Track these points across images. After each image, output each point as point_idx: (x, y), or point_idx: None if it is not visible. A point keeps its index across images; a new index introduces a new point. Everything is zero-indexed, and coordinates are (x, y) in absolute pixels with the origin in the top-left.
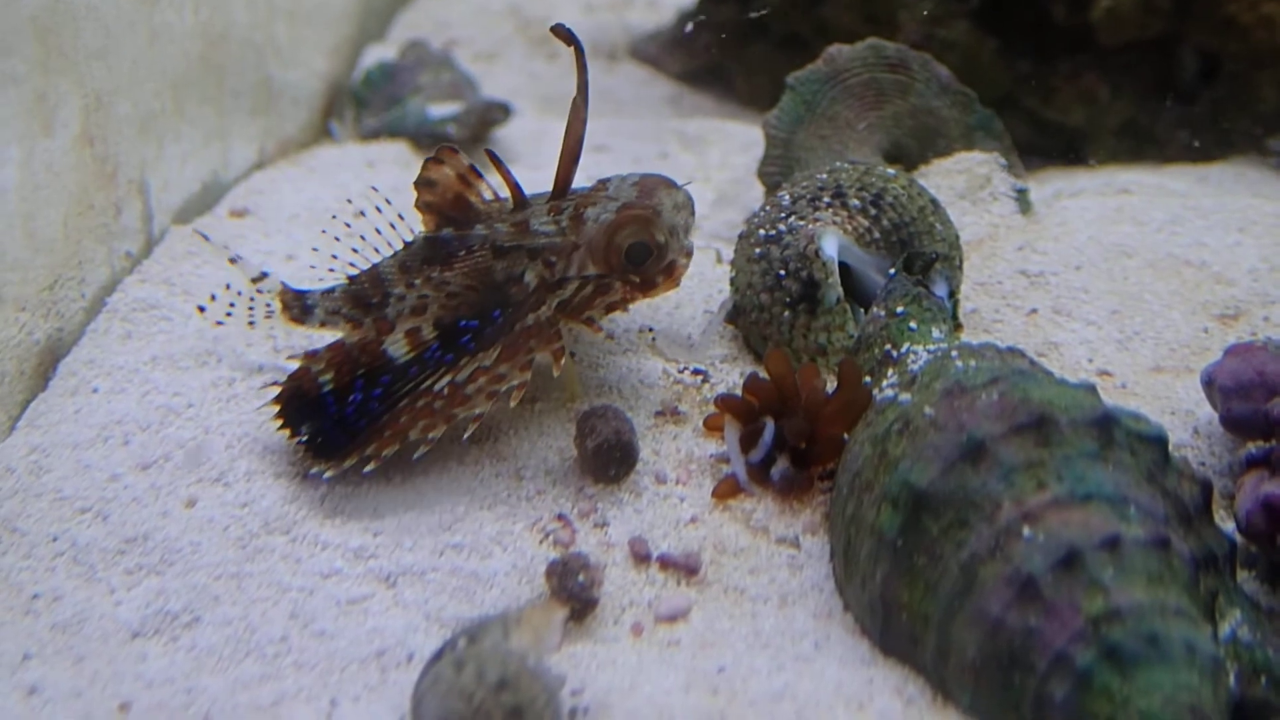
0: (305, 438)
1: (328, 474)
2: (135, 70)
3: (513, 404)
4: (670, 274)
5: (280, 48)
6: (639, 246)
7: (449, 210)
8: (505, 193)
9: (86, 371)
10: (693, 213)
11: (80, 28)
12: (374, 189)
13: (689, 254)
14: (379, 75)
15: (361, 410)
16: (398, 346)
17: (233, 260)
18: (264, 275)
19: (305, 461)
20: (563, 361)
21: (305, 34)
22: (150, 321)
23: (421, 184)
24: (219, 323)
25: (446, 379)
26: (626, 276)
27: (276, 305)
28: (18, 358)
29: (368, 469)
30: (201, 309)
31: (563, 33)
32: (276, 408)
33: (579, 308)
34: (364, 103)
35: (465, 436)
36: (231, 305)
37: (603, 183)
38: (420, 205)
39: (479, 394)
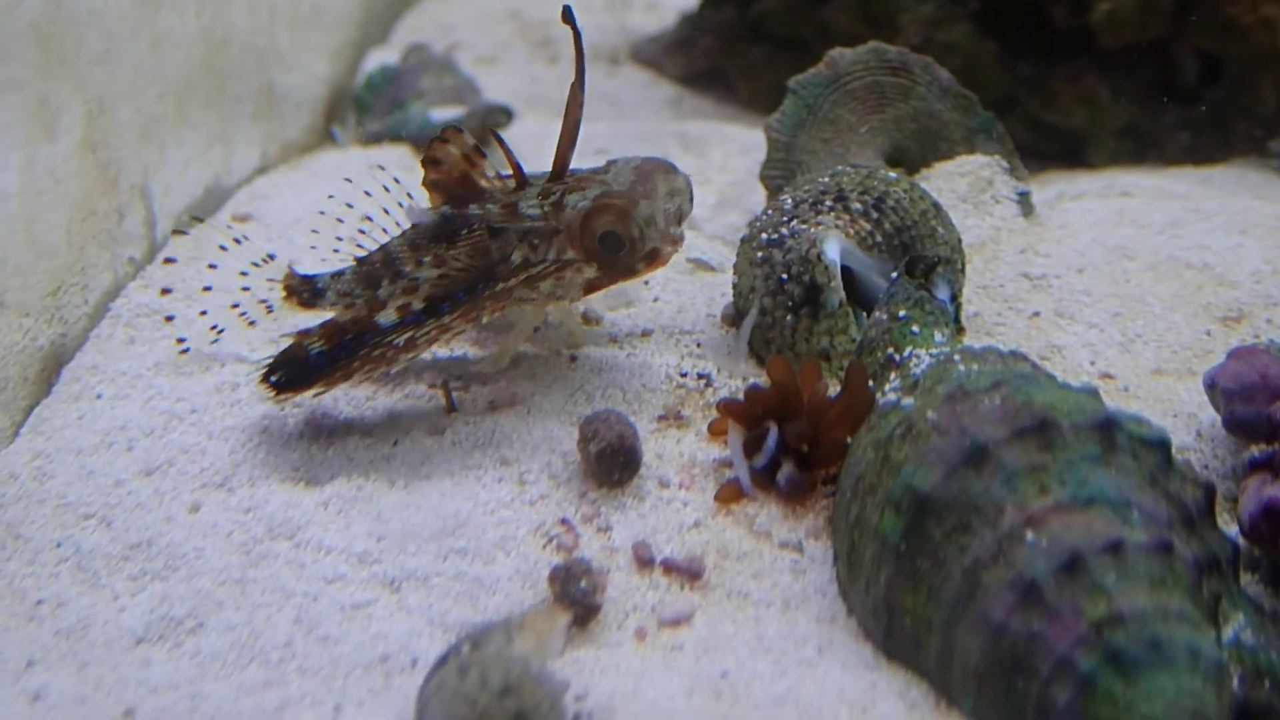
0: (272, 378)
1: (277, 400)
2: (137, 75)
3: (446, 350)
4: (653, 261)
5: (282, 52)
6: (612, 235)
7: (455, 188)
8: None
9: (90, 377)
10: (690, 199)
11: (82, 33)
12: (380, 167)
13: (676, 241)
14: (381, 79)
15: (328, 357)
16: (388, 317)
17: (237, 241)
18: (271, 258)
19: (267, 397)
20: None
21: (307, 38)
22: (153, 327)
23: (428, 162)
24: (216, 328)
25: (409, 334)
26: (603, 262)
27: (280, 293)
28: (21, 363)
29: (311, 394)
30: (204, 312)
31: (567, 17)
32: (264, 371)
33: (547, 280)
34: (366, 107)
35: (393, 371)
36: (236, 305)
37: (610, 164)
38: (427, 183)
39: (425, 341)
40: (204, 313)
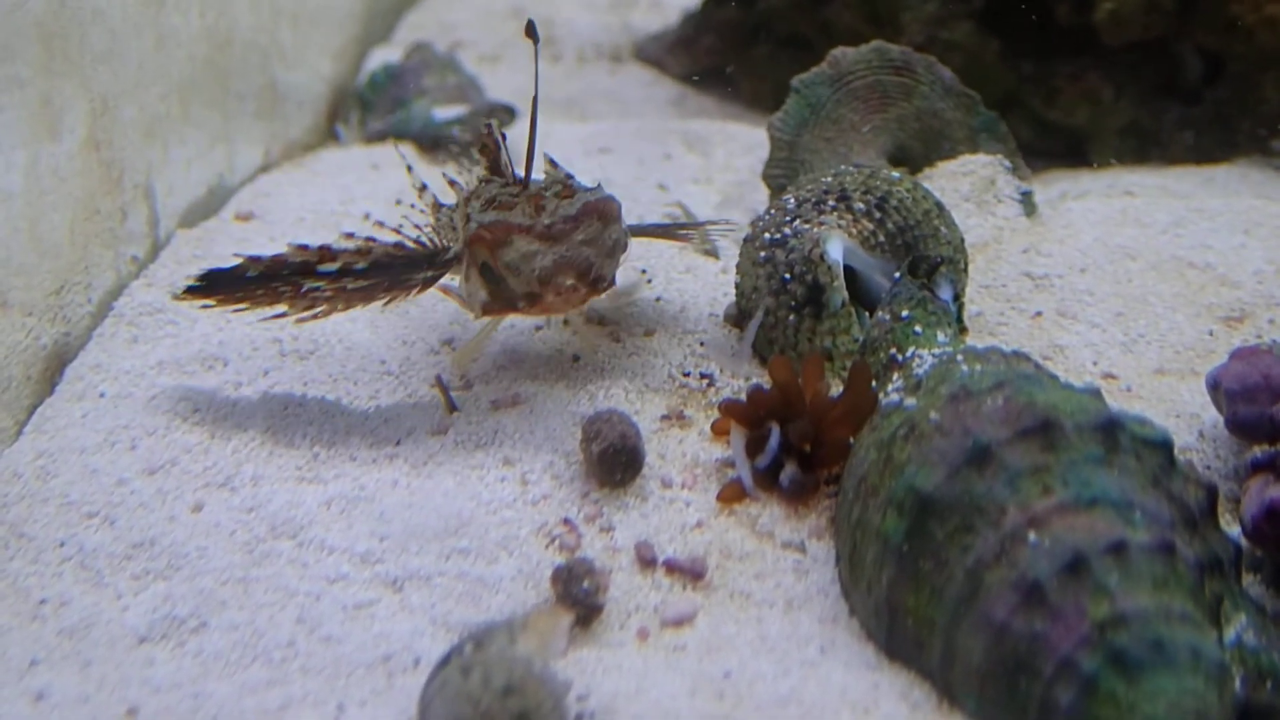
0: (194, 281)
1: (179, 297)
2: (141, 74)
3: (320, 318)
4: (534, 304)
5: (285, 51)
6: (485, 267)
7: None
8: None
9: (93, 376)
10: (613, 254)
11: (86, 32)
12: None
13: (561, 292)
14: (384, 78)
15: (256, 281)
16: (328, 266)
17: (409, 169)
18: (425, 187)
19: (174, 292)
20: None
21: (310, 37)
22: (157, 326)
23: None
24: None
25: (316, 284)
26: (490, 289)
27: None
28: (24, 362)
29: (204, 304)
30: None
31: (530, 32)
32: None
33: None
34: (369, 105)
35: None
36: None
37: (587, 189)
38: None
39: (318, 301)
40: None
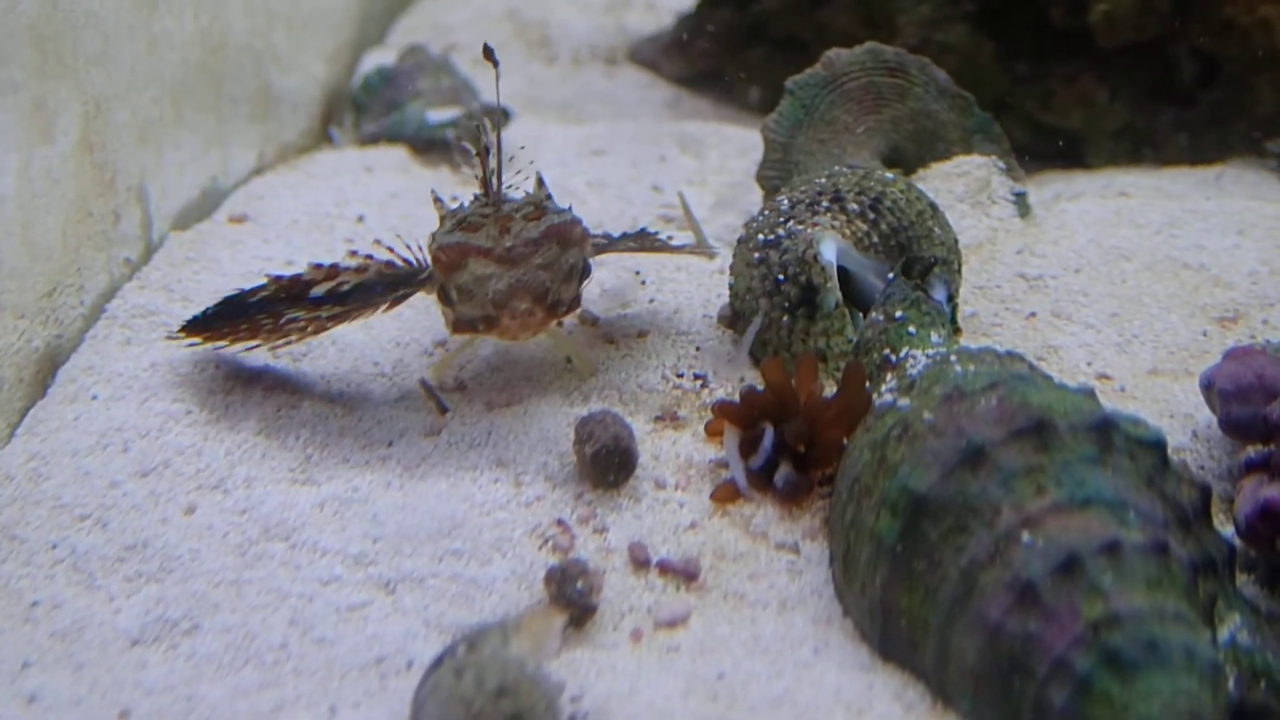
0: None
1: (175, 335)
2: (134, 77)
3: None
4: (491, 326)
5: (279, 54)
6: (443, 286)
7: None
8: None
9: (86, 378)
10: (570, 279)
11: (79, 35)
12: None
13: (516, 316)
14: (378, 80)
15: (257, 307)
16: (320, 289)
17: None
18: (438, 200)
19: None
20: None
21: (304, 40)
22: (149, 328)
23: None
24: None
25: (296, 314)
26: (453, 309)
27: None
28: (16, 365)
29: (190, 342)
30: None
31: (488, 55)
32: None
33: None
34: (363, 108)
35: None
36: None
37: (545, 211)
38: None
39: (294, 329)
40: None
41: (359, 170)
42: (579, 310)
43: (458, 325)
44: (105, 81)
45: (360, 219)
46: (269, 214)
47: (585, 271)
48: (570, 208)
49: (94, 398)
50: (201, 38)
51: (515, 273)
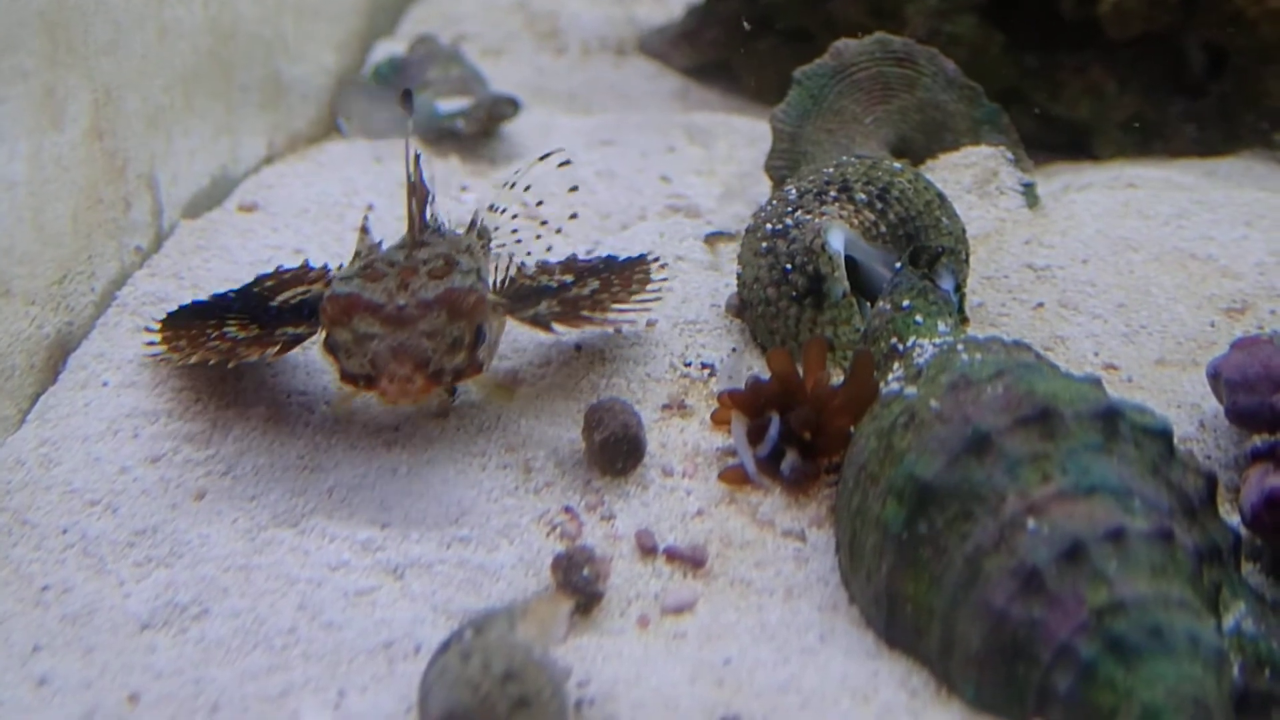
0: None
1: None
2: (144, 65)
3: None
4: (371, 384)
5: (289, 43)
6: (329, 337)
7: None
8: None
9: (96, 365)
10: (455, 350)
11: (89, 22)
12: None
13: (396, 380)
14: (388, 70)
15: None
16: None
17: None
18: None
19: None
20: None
21: (314, 29)
22: (160, 316)
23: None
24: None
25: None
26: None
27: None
28: (27, 351)
29: (155, 350)
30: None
31: (404, 101)
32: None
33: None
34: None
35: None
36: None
37: (453, 267)
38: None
39: (211, 350)
40: None
41: (369, 160)
42: (481, 375)
43: (344, 377)
44: (115, 69)
45: (370, 208)
46: (279, 203)
47: (480, 339)
48: (479, 270)
49: (105, 384)
50: (211, 26)
51: (399, 335)
